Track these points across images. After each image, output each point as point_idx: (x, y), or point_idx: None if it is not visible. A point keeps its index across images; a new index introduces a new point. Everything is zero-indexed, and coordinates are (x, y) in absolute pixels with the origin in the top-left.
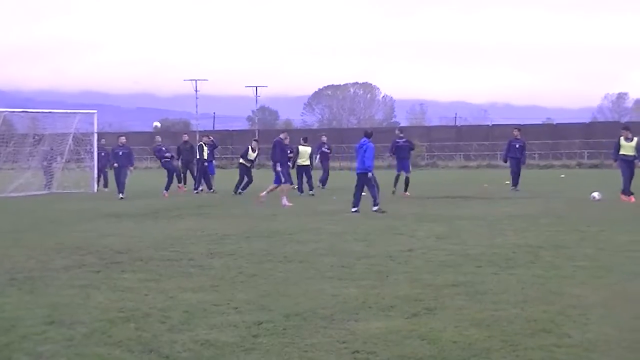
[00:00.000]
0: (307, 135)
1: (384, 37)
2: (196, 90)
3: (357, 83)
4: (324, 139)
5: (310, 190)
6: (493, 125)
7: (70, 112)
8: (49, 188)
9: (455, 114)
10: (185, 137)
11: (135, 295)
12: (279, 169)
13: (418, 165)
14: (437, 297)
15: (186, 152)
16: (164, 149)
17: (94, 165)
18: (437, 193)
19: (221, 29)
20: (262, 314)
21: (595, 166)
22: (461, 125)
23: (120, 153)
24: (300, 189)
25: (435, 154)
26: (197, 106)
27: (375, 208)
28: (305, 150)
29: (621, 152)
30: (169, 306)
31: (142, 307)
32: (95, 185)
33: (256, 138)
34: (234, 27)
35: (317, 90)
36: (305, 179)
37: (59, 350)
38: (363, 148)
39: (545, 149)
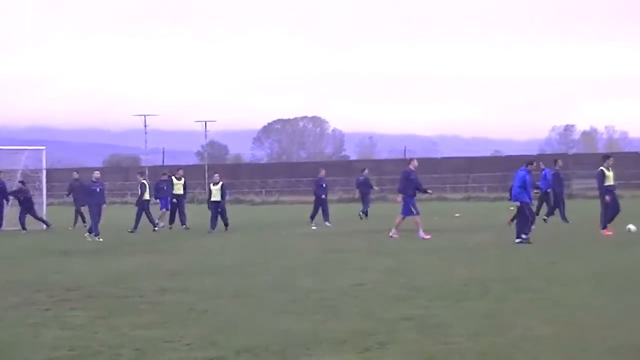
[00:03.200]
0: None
1: (332, 71)
2: (145, 126)
3: (306, 117)
4: (322, 173)
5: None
6: (442, 158)
7: (18, 149)
8: None
9: (404, 147)
10: (75, 175)
11: (86, 332)
12: (399, 199)
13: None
14: (389, 331)
15: (78, 191)
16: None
17: (42, 202)
18: (386, 226)
19: (170, 64)
20: (213, 349)
21: None
22: (410, 158)
23: (98, 190)
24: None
25: (386, 187)
26: (146, 141)
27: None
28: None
29: (606, 183)
30: (120, 343)
31: (92, 344)
32: (73, 223)
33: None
34: (183, 62)
35: (266, 124)
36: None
37: None
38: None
39: (495, 181)
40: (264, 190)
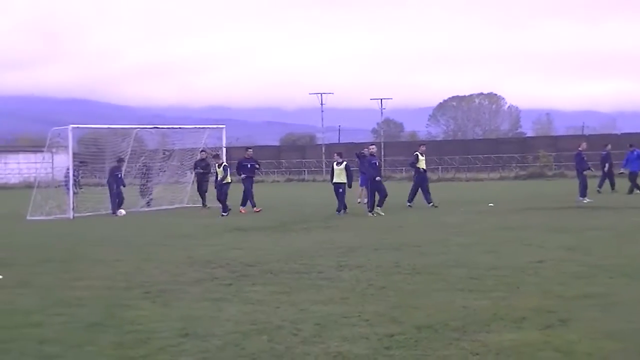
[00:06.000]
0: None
1: (507, 48)
2: (322, 104)
3: (482, 94)
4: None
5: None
6: (622, 134)
7: (200, 127)
8: (149, 205)
9: (583, 123)
10: (250, 152)
11: (267, 307)
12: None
13: (545, 175)
14: (570, 309)
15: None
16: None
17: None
18: (565, 204)
19: (345, 43)
20: (393, 326)
21: None
22: (589, 135)
23: (249, 165)
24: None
25: (563, 163)
26: (322, 119)
27: None
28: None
29: None
30: (300, 319)
31: (273, 319)
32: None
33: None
34: (357, 41)
35: (441, 101)
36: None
37: None
38: None
39: None
40: (440, 167)
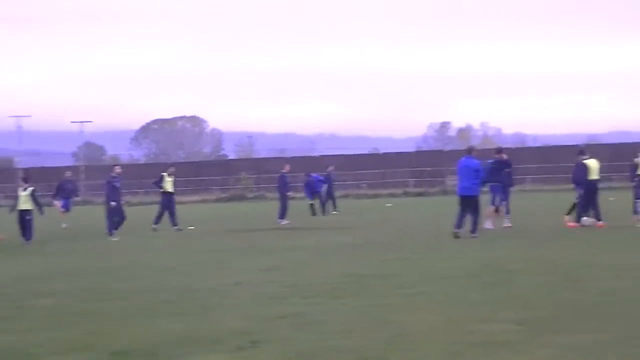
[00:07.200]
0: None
1: (210, 71)
2: (19, 127)
3: (184, 117)
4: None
5: None
6: (320, 156)
7: None
8: None
9: (284, 145)
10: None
11: None
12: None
13: (246, 197)
14: (263, 330)
15: None
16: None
17: None
18: (265, 225)
19: (43, 65)
20: (87, 353)
21: (421, 194)
22: (291, 157)
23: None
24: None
25: (264, 185)
26: (20, 143)
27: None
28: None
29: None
30: None
31: None
32: None
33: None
34: (57, 63)
35: (144, 124)
36: None
37: None
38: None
39: (373, 178)
40: (141, 190)
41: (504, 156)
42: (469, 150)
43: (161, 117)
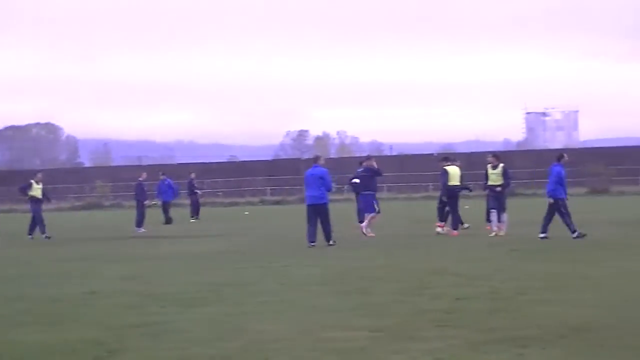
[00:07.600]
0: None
1: (67, 77)
2: None
3: (39, 124)
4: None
5: None
6: (178, 164)
7: None
8: None
9: (141, 153)
10: None
11: None
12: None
13: (102, 205)
14: (120, 339)
15: None
16: None
17: None
18: (123, 233)
19: None
20: None
21: (278, 202)
22: (148, 165)
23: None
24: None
25: (120, 194)
26: None
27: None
28: None
29: (489, 183)
30: None
31: None
32: None
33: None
34: None
35: None
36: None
37: None
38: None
39: (230, 186)
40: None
41: (374, 163)
42: (315, 159)
43: (15, 124)
